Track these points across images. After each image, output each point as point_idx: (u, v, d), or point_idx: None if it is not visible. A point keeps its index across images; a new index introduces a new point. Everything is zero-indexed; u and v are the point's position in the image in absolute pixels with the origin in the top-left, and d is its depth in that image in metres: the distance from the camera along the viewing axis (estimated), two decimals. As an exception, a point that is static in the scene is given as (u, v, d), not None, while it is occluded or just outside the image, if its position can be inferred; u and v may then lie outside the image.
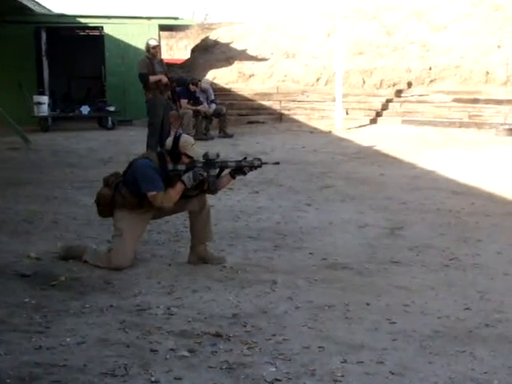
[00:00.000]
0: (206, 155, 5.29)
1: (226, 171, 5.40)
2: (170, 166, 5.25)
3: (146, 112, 11.11)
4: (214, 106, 14.54)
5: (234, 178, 5.46)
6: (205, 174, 5.24)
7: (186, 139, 5.32)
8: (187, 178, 5.18)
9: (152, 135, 10.64)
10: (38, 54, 16.98)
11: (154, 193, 5.12)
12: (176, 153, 5.23)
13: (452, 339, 3.99)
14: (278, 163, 5.75)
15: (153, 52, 10.80)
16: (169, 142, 5.31)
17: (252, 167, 5.38)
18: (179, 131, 5.40)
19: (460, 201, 7.94)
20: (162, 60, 11.36)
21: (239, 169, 5.37)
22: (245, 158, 5.46)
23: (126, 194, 5.27)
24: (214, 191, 5.43)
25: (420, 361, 3.67)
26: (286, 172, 9.89)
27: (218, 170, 5.33)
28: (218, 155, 5.34)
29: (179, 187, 5.19)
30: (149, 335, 3.95)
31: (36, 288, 4.78)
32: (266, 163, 5.44)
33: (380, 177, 9.57)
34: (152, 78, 10.54)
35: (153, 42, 11.01)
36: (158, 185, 5.15)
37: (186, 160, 5.25)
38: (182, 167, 5.24)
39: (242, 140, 13.76)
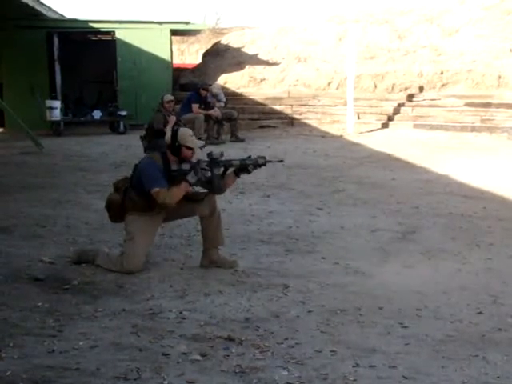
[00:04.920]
0: (210, 154, 5.31)
1: (231, 170, 5.41)
2: (175, 166, 5.28)
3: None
4: (222, 104, 14.53)
5: (238, 176, 5.47)
6: (209, 173, 5.27)
7: (185, 131, 5.35)
8: (191, 175, 5.21)
9: None
10: (51, 58, 17.05)
11: (157, 189, 5.13)
12: (176, 146, 5.25)
13: (465, 343, 3.98)
14: (282, 161, 5.80)
15: (167, 106, 10.87)
16: (168, 136, 5.35)
17: (256, 165, 5.38)
18: (176, 127, 5.53)
19: (472, 205, 7.91)
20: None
21: (244, 167, 5.38)
22: (249, 157, 5.48)
23: (134, 197, 5.30)
24: (219, 191, 5.43)
25: (433, 365, 3.66)
26: (298, 176, 9.88)
27: (222, 169, 5.35)
28: (221, 154, 5.36)
29: (183, 185, 5.22)
30: (161, 339, 3.96)
31: (49, 292, 4.80)
32: (270, 161, 5.45)
33: (392, 181, 9.55)
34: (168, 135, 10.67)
35: (167, 97, 11.08)
36: (160, 182, 5.18)
37: (186, 152, 5.26)
38: (186, 166, 5.26)
39: (254, 144, 13.76)
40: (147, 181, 5.20)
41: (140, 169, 5.30)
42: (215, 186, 5.36)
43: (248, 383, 3.41)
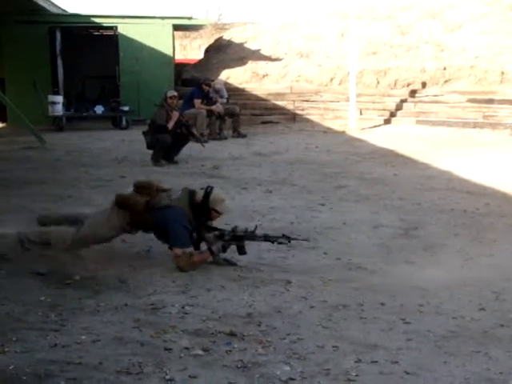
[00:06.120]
0: (234, 230, 5.32)
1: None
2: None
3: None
4: (224, 100, 14.51)
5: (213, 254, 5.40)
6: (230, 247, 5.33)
7: (217, 196, 5.35)
8: (217, 249, 5.26)
9: (160, 149, 10.65)
10: (53, 53, 17.06)
11: (180, 253, 5.15)
12: (205, 208, 5.29)
13: (467, 339, 3.97)
14: (307, 240, 5.73)
15: (170, 102, 10.88)
16: (199, 195, 5.33)
17: (279, 242, 5.37)
18: (209, 188, 5.42)
19: (475, 201, 7.91)
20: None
21: (266, 240, 5.40)
22: (266, 235, 5.40)
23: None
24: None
25: (435, 361, 3.66)
26: (300, 172, 9.88)
27: (244, 242, 5.36)
28: (246, 229, 5.36)
29: (206, 255, 5.29)
30: (163, 334, 3.96)
31: (51, 286, 4.80)
32: (294, 239, 5.43)
33: (394, 177, 9.55)
34: (170, 126, 10.67)
35: (171, 93, 11.09)
36: (187, 241, 5.19)
37: (214, 215, 5.34)
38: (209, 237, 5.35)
39: (256, 140, 13.77)
40: (174, 238, 5.20)
41: (170, 218, 5.21)
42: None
43: (250, 378, 3.41)
